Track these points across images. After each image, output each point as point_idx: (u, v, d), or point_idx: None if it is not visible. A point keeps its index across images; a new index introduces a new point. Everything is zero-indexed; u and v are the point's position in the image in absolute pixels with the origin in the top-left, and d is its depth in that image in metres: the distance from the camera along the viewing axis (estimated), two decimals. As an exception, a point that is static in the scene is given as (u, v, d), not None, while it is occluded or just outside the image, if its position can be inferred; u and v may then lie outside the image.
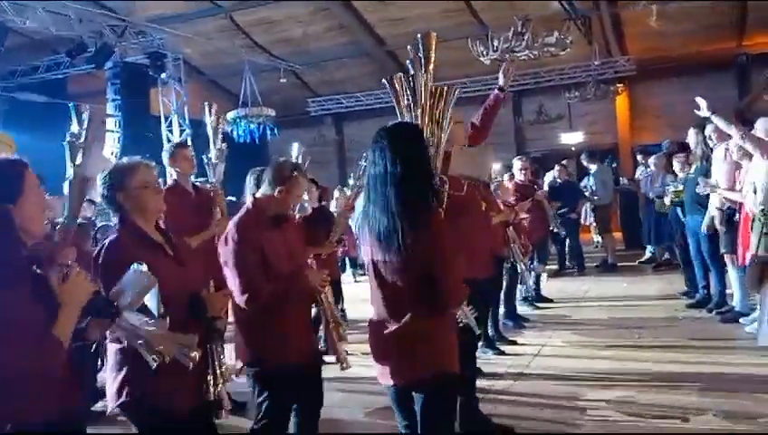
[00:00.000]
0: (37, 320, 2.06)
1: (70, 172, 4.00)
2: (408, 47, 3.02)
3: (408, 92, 2.97)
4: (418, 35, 3.02)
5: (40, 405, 2.10)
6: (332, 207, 6.56)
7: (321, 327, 3.72)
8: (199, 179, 5.54)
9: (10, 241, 2.09)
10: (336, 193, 11.40)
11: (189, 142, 13.42)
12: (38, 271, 2.16)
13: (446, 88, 2.99)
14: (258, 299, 3.18)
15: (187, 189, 5.11)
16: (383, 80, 3.06)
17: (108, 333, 2.39)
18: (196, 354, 2.40)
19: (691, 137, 7.10)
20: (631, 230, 12.16)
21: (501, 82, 4.69)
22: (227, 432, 4.23)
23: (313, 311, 3.76)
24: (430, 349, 2.66)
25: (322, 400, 3.52)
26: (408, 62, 2.99)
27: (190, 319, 2.66)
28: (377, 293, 2.73)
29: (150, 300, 2.41)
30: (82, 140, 4.13)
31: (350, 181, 6.09)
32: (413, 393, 2.72)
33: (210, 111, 5.34)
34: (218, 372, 2.80)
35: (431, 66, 2.96)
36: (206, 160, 5.26)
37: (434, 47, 2.99)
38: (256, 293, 3.17)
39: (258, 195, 3.48)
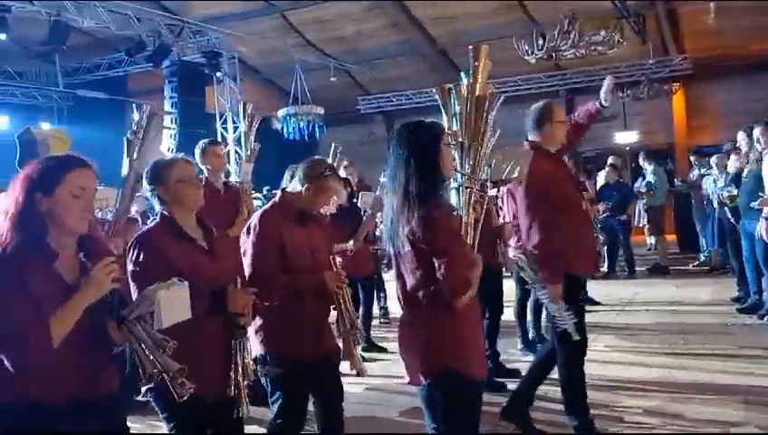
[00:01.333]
0: (41, 305, 2.10)
1: (125, 166, 4.19)
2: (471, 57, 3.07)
3: (455, 100, 3.02)
4: (470, 47, 3.08)
5: (38, 388, 2.13)
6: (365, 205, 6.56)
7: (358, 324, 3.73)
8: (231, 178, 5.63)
9: (30, 227, 2.17)
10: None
11: (242, 139, 13.71)
12: (83, 260, 2.22)
13: (488, 94, 3.02)
14: (269, 290, 3.17)
15: (216, 186, 5.20)
16: (433, 90, 3.13)
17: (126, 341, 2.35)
18: (185, 389, 2.30)
19: (741, 140, 6.90)
20: (685, 233, 11.87)
21: (602, 97, 4.36)
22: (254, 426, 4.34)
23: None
24: (436, 344, 2.68)
25: (341, 400, 3.49)
26: (462, 73, 3.06)
27: (211, 312, 2.74)
28: (397, 288, 2.81)
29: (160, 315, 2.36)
30: (140, 137, 4.31)
31: (381, 179, 6.13)
32: (431, 391, 2.73)
33: (246, 111, 5.44)
34: (240, 368, 2.85)
35: (479, 76, 3.02)
36: (235, 159, 5.35)
37: (483, 59, 3.05)
38: (268, 283, 3.19)
39: (288, 189, 3.56)
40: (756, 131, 6.37)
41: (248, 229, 3.41)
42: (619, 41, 6.48)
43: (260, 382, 3.39)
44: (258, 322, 3.33)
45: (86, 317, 2.17)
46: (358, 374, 3.53)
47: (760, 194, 6.21)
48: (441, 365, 2.68)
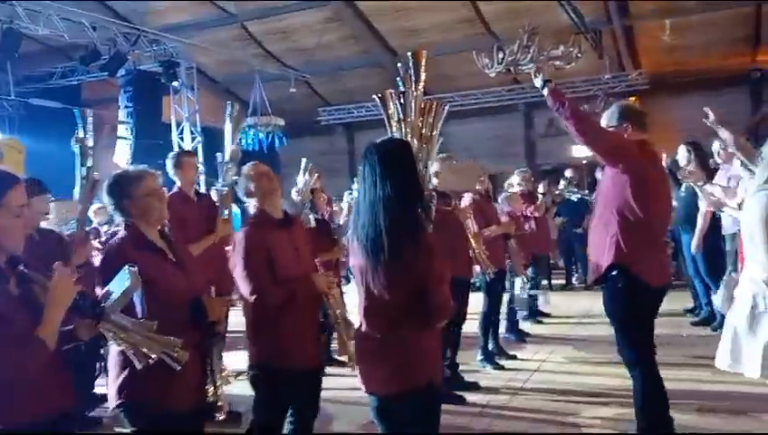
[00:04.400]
0: (21, 323, 2.09)
1: (80, 175, 4.07)
2: (399, 64, 3.05)
3: (399, 108, 3.00)
4: (408, 54, 3.06)
5: (29, 407, 2.13)
6: (343, 215, 6.61)
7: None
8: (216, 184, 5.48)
9: None
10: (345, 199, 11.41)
11: (200, 150, 13.55)
12: (25, 272, 2.19)
13: (434, 103, 3.01)
14: (266, 299, 3.30)
15: (190, 197, 5.12)
16: (374, 96, 3.11)
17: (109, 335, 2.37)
18: (182, 355, 2.38)
19: (681, 154, 7.05)
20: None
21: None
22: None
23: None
24: (415, 360, 2.68)
25: (318, 409, 3.59)
26: (398, 78, 3.04)
27: (189, 323, 2.75)
28: (364, 303, 2.77)
29: (136, 302, 2.49)
30: (89, 143, 4.20)
31: (354, 187, 6.13)
32: (395, 404, 2.71)
33: (231, 112, 5.25)
34: (217, 375, 2.92)
35: (421, 83, 3.00)
36: (219, 160, 5.16)
37: (424, 65, 3.03)
38: (264, 293, 3.29)
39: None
40: (715, 146, 6.53)
41: (235, 244, 3.49)
42: (577, 56, 6.49)
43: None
44: (251, 330, 3.45)
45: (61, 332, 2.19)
46: (350, 366, 3.50)
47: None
48: (424, 378, 2.68)
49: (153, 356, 2.31)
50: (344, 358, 3.70)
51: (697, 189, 6.59)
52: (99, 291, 2.68)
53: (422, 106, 3.00)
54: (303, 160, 6.38)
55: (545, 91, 3.93)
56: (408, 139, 2.99)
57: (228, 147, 5.21)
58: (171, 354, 2.35)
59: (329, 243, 6.10)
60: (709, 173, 6.66)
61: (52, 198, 4.75)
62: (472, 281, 6.83)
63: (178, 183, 5.10)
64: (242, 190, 3.62)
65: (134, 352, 2.30)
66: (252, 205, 3.62)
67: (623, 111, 4.07)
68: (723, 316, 6.77)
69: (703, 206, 6.60)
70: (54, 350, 2.15)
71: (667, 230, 4.03)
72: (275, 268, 3.35)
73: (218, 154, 5.24)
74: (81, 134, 4.18)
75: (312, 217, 6.09)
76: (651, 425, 3.84)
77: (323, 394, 3.81)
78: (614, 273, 3.80)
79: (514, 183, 8.16)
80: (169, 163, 5.12)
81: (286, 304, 3.32)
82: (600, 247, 3.89)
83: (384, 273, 2.64)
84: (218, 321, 2.87)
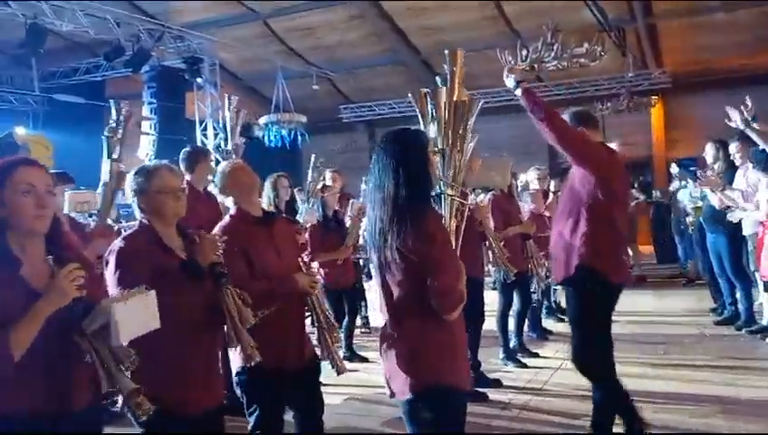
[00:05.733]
0: (5, 315, 2.04)
1: (106, 167, 4.07)
2: (445, 65, 3.07)
3: (432, 106, 3.00)
4: (446, 51, 3.08)
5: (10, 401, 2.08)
6: (347, 215, 6.51)
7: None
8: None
9: None
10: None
11: (210, 146, 13.60)
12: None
13: (467, 100, 3.00)
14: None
15: (198, 190, 5.11)
16: (409, 94, 3.12)
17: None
18: (146, 409, 2.21)
19: (709, 151, 6.97)
20: (662, 244, 11.97)
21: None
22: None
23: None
24: (424, 357, 2.60)
25: (321, 407, 3.45)
26: (437, 78, 3.04)
27: (190, 300, 2.65)
28: (380, 298, 2.71)
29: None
30: (119, 135, 4.19)
31: (363, 187, 6.04)
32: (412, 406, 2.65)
33: (230, 105, 5.20)
34: (237, 316, 2.72)
35: (456, 82, 3.00)
36: (219, 157, 5.09)
37: (460, 64, 3.03)
38: (241, 289, 3.03)
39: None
40: (732, 147, 6.45)
41: None
42: (601, 54, 6.45)
43: (235, 394, 3.34)
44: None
45: (53, 326, 2.08)
46: (338, 373, 3.47)
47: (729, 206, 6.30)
48: (430, 379, 2.58)
49: (109, 393, 2.16)
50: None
51: (715, 195, 6.48)
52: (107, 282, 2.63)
53: (457, 103, 2.98)
54: (313, 157, 6.27)
55: (518, 92, 3.89)
56: (442, 137, 2.96)
57: (230, 142, 5.16)
58: (129, 400, 2.17)
59: (335, 242, 6.07)
60: (734, 171, 6.59)
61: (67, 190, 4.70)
62: (493, 280, 6.82)
63: (188, 177, 5.08)
64: (218, 187, 3.53)
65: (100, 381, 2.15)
66: (230, 203, 3.52)
67: (576, 115, 4.13)
68: (749, 316, 6.75)
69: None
70: (40, 349, 2.07)
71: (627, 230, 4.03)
72: (254, 266, 3.24)
73: (218, 153, 5.18)
74: (112, 125, 4.17)
75: (317, 214, 6.09)
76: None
77: (346, 390, 3.82)
78: (582, 274, 3.77)
79: (531, 180, 8.10)
80: (182, 159, 5.12)
81: (265, 302, 3.14)
82: (569, 247, 3.86)
83: (391, 262, 2.57)
84: (216, 261, 2.71)
